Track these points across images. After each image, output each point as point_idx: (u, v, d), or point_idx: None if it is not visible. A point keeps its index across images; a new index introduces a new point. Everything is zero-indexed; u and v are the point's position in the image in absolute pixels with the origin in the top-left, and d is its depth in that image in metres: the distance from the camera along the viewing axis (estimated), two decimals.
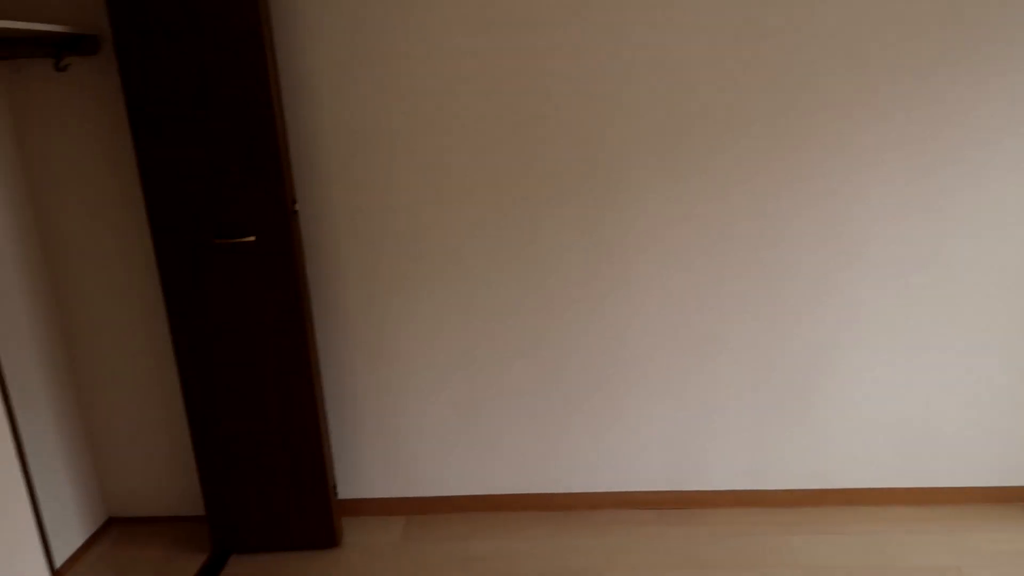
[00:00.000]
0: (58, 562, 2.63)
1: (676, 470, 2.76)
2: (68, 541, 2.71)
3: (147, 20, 2.18)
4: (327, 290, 2.62)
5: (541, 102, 2.40)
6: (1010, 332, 2.54)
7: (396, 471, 2.82)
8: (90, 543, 2.81)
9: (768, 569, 2.45)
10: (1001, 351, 2.56)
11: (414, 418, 2.75)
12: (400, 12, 2.34)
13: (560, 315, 2.60)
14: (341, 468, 2.84)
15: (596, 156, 2.44)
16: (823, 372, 2.62)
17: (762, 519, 2.71)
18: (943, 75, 2.30)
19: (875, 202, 2.43)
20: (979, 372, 2.59)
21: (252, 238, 2.35)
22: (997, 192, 2.40)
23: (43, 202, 2.57)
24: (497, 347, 2.65)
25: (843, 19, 2.27)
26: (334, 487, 2.67)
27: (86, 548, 2.78)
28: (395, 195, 2.52)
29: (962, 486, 2.72)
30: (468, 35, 2.35)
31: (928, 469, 2.71)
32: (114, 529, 2.90)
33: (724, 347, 2.61)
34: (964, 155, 2.37)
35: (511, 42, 2.35)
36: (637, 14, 2.31)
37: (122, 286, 2.66)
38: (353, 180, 2.51)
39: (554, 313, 2.60)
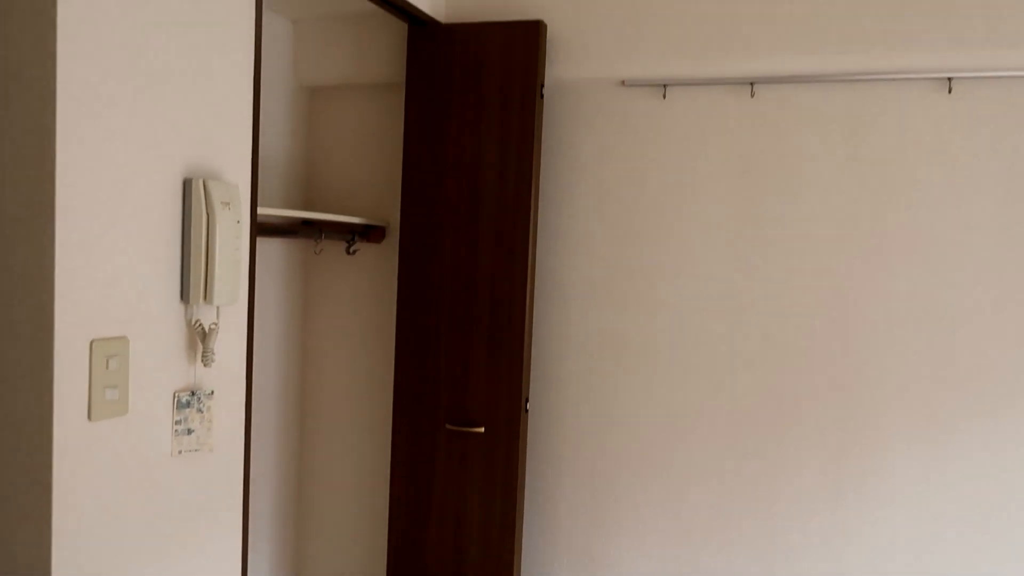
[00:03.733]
0: None
1: None
2: None
3: (432, 217, 2.45)
4: (542, 487, 2.60)
5: (792, 334, 2.33)
6: None
7: None
8: None
9: None
10: None
11: None
12: (656, 235, 2.44)
13: (786, 567, 2.36)
14: None
15: (847, 398, 2.29)
16: None
17: None
18: None
19: None
20: None
21: (481, 430, 2.43)
22: None
23: (312, 362, 2.87)
24: None
25: None
26: None
27: None
28: (625, 408, 2.50)
29: None
30: (720, 255, 2.38)
31: None
32: None
33: None
34: None
35: (767, 261, 2.34)
36: (912, 251, 2.22)
37: (357, 449, 2.83)
38: (586, 385, 2.54)
39: (778, 562, 2.37)
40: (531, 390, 2.61)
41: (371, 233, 2.72)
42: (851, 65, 2.24)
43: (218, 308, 1.53)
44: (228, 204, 1.47)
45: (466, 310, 2.43)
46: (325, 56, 2.71)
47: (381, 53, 2.64)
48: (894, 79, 2.19)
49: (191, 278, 1.44)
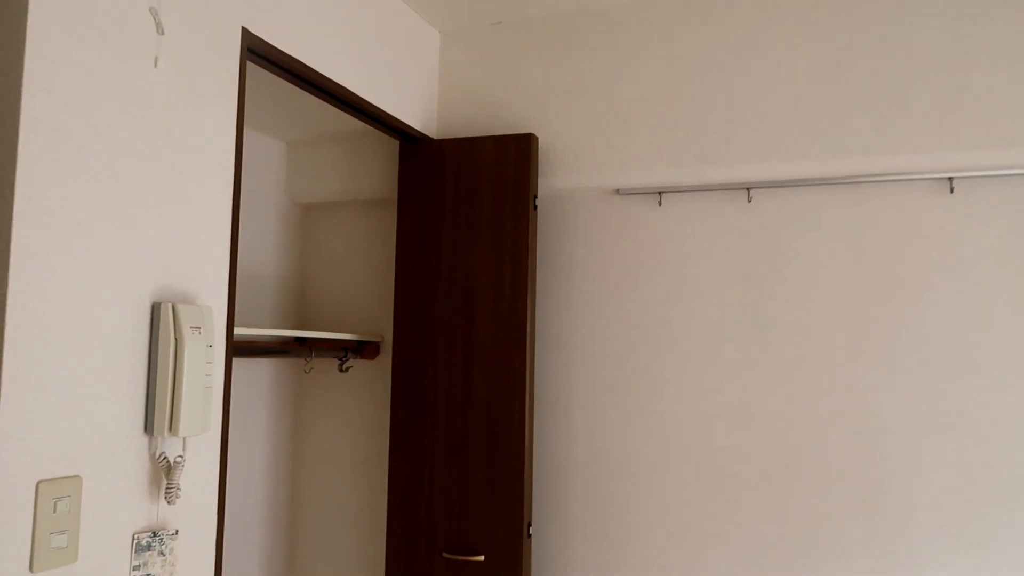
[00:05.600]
0: None
1: None
2: None
3: (426, 332, 2.37)
4: None
5: (810, 446, 2.19)
6: None
7: None
8: None
9: None
10: None
11: None
12: (658, 346, 2.34)
13: None
14: None
15: (875, 516, 2.12)
16: None
17: None
18: None
19: None
20: None
21: (481, 558, 2.26)
22: None
23: (301, 487, 2.72)
24: None
25: None
26: None
27: None
28: (635, 532, 2.34)
29: None
30: (726, 364, 2.27)
31: None
32: None
33: None
34: None
35: (777, 370, 2.23)
36: (930, 355, 2.10)
37: None
38: (592, 507, 2.38)
39: None
40: (533, 514, 2.45)
41: (364, 349, 2.64)
42: (849, 168, 2.20)
43: (185, 439, 1.43)
44: (199, 328, 1.40)
45: (463, 429, 2.32)
46: (318, 174, 2.71)
47: (373, 170, 2.64)
48: (894, 180, 2.15)
49: (156, 408, 1.35)
